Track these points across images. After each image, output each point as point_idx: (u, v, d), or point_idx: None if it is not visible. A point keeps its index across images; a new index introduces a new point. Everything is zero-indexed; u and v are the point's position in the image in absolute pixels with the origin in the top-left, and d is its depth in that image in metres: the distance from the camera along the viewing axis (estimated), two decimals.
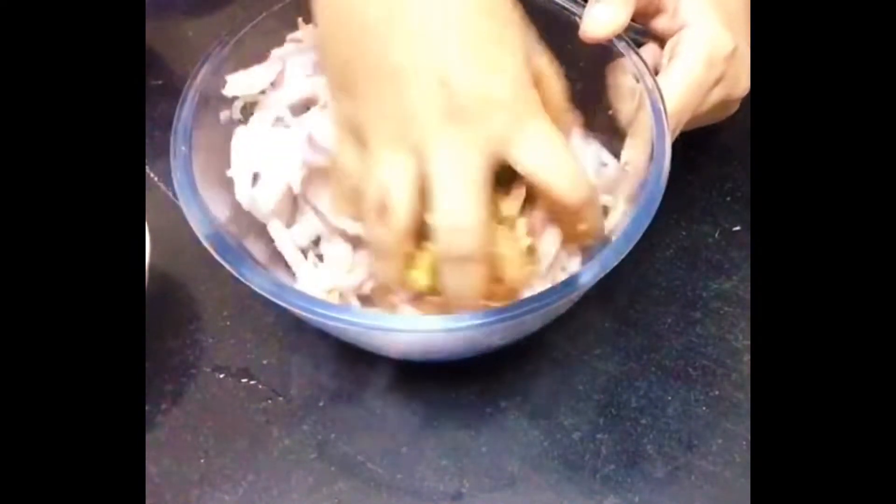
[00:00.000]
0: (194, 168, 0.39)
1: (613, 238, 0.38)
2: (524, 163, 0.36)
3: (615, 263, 0.37)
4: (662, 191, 0.38)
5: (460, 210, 0.35)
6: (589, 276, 0.37)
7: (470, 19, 0.36)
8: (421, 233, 0.37)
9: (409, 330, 0.36)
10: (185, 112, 0.41)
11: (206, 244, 0.37)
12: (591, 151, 0.45)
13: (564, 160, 0.37)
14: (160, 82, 0.56)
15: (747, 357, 0.46)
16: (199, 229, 0.37)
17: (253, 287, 0.36)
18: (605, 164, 0.45)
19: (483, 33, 0.36)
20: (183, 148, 0.40)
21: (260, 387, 0.45)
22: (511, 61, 0.36)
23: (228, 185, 0.42)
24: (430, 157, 0.35)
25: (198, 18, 0.43)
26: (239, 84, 0.43)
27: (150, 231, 0.44)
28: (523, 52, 0.37)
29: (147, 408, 0.44)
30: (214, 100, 0.43)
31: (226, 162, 0.43)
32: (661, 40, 0.46)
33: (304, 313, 0.36)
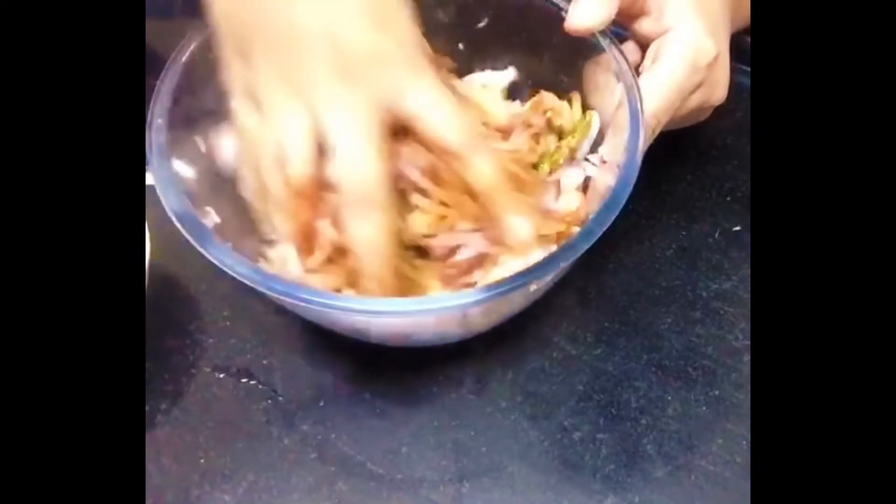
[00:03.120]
0: (169, 142, 0.40)
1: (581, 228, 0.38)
2: (410, 110, 0.37)
3: (584, 248, 0.37)
4: (633, 181, 0.39)
5: (356, 160, 0.37)
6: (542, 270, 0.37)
7: None
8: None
9: (388, 312, 0.37)
10: (165, 85, 0.42)
11: (175, 220, 0.38)
12: (576, 171, 0.46)
13: (448, 107, 0.38)
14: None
15: (747, 357, 0.46)
16: (170, 205, 0.38)
17: (213, 261, 0.37)
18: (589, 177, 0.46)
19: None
20: (159, 120, 0.41)
21: (260, 387, 0.45)
22: (401, 18, 0.38)
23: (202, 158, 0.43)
24: (325, 113, 0.37)
25: (198, 18, 0.43)
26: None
27: (150, 231, 0.44)
28: (410, 13, 0.39)
29: (147, 408, 0.44)
30: (196, 77, 0.43)
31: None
32: (640, 41, 0.46)
33: (270, 293, 0.37)
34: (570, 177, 0.46)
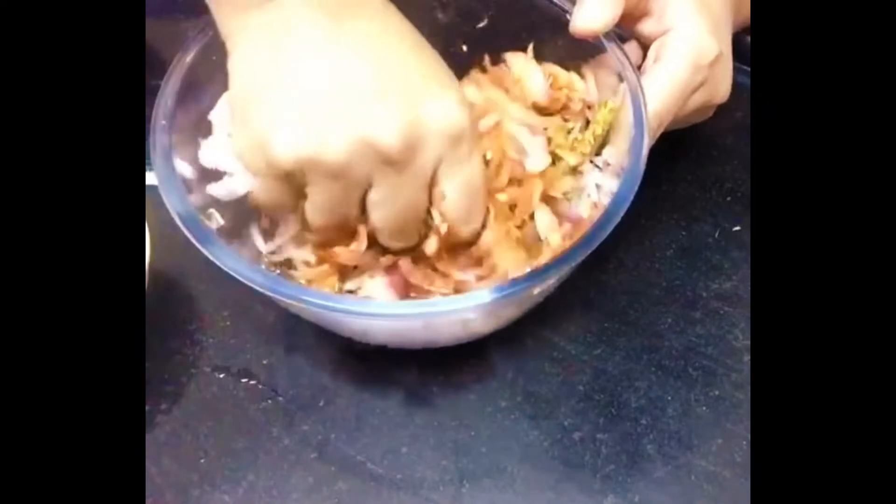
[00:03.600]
0: (172, 143, 0.40)
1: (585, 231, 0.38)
2: (441, 189, 0.38)
3: (587, 252, 0.38)
4: (637, 184, 0.39)
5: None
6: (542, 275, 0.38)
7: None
8: None
9: (391, 315, 0.37)
10: (168, 86, 0.42)
11: (178, 221, 0.38)
12: (591, 178, 0.46)
13: (476, 197, 0.40)
14: (160, 82, 0.56)
15: (747, 357, 0.46)
16: (173, 206, 0.38)
17: (218, 263, 0.37)
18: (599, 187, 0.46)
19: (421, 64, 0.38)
20: (163, 121, 0.41)
21: (260, 387, 0.45)
22: (452, 83, 0.39)
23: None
24: (371, 195, 0.37)
25: (198, 18, 0.43)
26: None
27: (150, 231, 0.44)
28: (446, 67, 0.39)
29: (147, 408, 0.44)
30: (200, 78, 0.43)
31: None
32: (642, 42, 0.46)
33: (263, 290, 0.37)
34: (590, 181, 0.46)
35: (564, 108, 0.46)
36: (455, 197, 0.38)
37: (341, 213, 0.38)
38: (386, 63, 0.36)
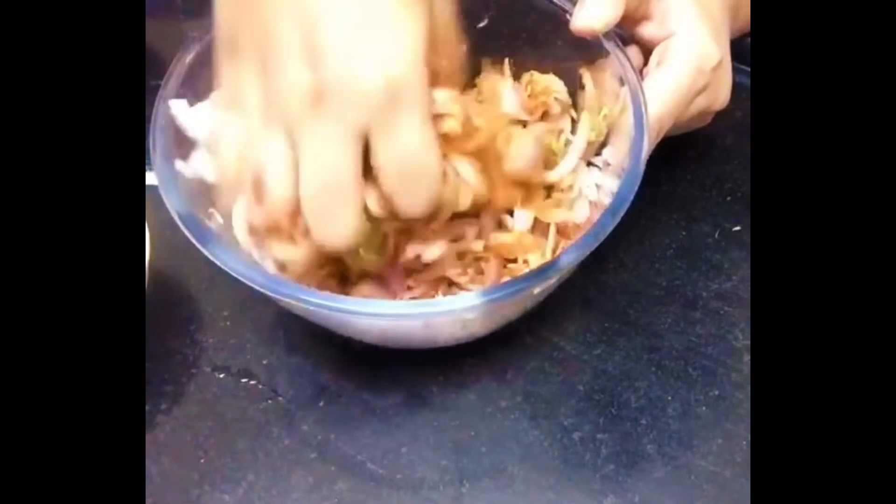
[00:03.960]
0: (172, 143, 0.40)
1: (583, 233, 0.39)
2: (378, 157, 0.34)
3: (587, 252, 0.38)
4: (637, 185, 0.39)
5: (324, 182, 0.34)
6: (539, 277, 0.37)
7: None
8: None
9: (392, 315, 0.37)
10: (169, 86, 0.42)
11: (178, 221, 0.38)
12: (589, 177, 0.46)
13: (416, 169, 0.35)
14: (160, 82, 0.56)
15: (747, 357, 0.46)
16: (173, 206, 0.38)
17: (216, 261, 0.37)
18: (599, 187, 0.46)
19: (371, 12, 0.33)
20: (163, 121, 0.41)
21: (260, 387, 0.45)
22: (398, 41, 0.34)
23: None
24: (298, 139, 0.34)
25: (198, 18, 0.43)
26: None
27: (150, 231, 0.44)
28: (418, 28, 0.34)
29: (147, 408, 0.44)
30: (200, 78, 0.43)
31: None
32: (643, 46, 0.46)
33: (267, 292, 0.37)
34: (586, 181, 0.46)
35: (545, 115, 0.46)
36: (389, 168, 0.35)
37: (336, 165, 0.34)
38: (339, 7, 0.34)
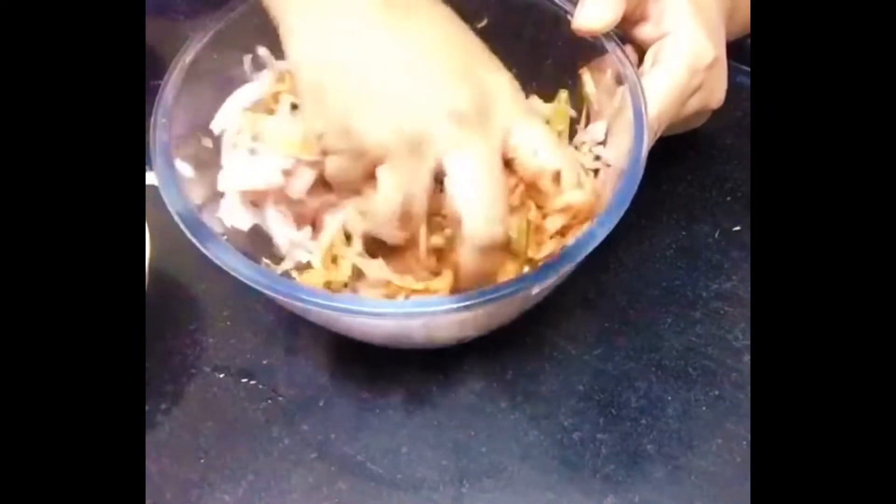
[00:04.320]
0: (173, 143, 0.40)
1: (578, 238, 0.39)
2: (522, 145, 0.39)
3: (586, 252, 0.38)
4: (636, 185, 0.39)
5: (490, 213, 0.38)
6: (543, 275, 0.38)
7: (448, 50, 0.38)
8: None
9: (386, 314, 0.37)
10: (169, 84, 0.42)
11: (177, 219, 0.38)
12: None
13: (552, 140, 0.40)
14: (160, 82, 0.56)
15: (747, 357, 0.46)
16: (172, 204, 0.38)
17: (213, 259, 0.37)
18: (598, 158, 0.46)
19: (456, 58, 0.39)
20: (163, 119, 0.41)
21: (260, 387, 0.45)
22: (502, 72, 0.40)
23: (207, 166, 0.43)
24: (450, 161, 0.37)
25: (198, 18, 0.43)
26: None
27: (150, 231, 0.44)
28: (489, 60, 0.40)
29: (147, 408, 0.44)
30: (200, 77, 0.43)
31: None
32: (639, 46, 0.46)
33: (270, 293, 0.37)
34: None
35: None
36: (544, 148, 0.39)
37: (411, 192, 0.38)
38: (447, 42, 0.39)
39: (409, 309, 0.37)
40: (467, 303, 0.36)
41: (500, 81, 0.39)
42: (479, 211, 0.37)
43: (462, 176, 0.37)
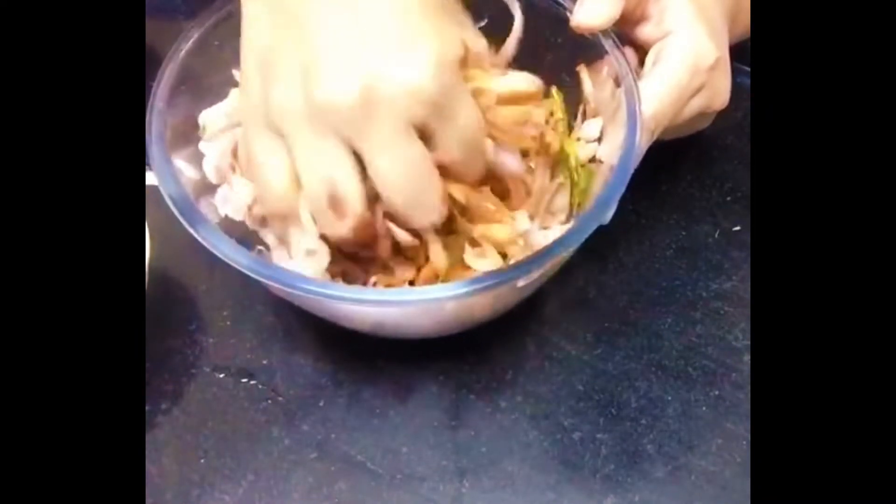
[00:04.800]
0: (168, 132, 0.40)
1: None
2: (443, 141, 0.37)
3: (573, 246, 0.38)
4: (626, 181, 0.39)
5: (398, 167, 0.36)
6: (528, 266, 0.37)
7: (395, 10, 0.36)
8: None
9: (378, 301, 0.37)
10: (167, 70, 0.42)
11: (169, 204, 0.38)
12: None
13: (477, 140, 0.38)
14: None
15: (747, 357, 0.46)
16: (166, 189, 0.38)
17: (206, 245, 0.37)
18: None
19: (408, 25, 0.36)
20: (160, 104, 0.41)
21: (260, 387, 0.45)
22: (431, 45, 0.36)
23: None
24: (362, 143, 0.35)
25: (198, 18, 0.43)
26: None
27: (150, 231, 0.44)
28: (444, 38, 0.37)
29: (147, 408, 0.44)
30: (199, 64, 0.44)
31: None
32: (639, 47, 0.46)
33: (262, 279, 0.37)
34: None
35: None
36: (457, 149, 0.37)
37: (330, 175, 0.36)
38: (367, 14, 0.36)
39: (390, 297, 0.37)
40: (446, 294, 0.36)
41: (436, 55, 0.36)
42: (405, 198, 0.36)
43: (377, 164, 0.36)
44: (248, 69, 0.38)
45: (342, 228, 0.37)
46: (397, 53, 0.35)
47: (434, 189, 0.37)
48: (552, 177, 0.46)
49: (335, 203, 0.36)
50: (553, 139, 0.45)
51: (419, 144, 0.36)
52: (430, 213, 0.38)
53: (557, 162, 0.46)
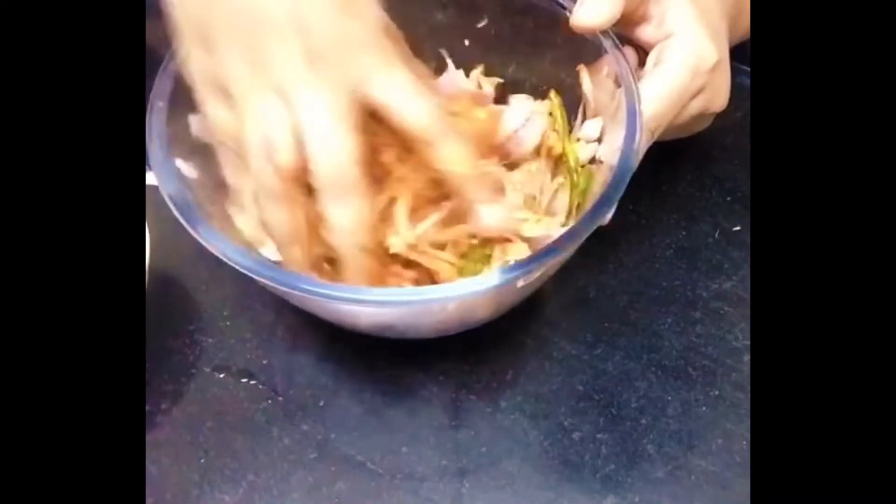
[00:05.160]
0: (168, 132, 0.40)
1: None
2: (378, 97, 0.37)
3: (572, 247, 0.38)
4: (626, 181, 0.39)
5: (329, 141, 0.36)
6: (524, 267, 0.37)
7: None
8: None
9: (375, 301, 0.37)
10: (167, 69, 0.42)
11: (168, 202, 0.38)
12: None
13: (415, 94, 0.37)
14: None
15: (747, 357, 0.46)
16: (165, 188, 0.38)
17: (205, 245, 0.37)
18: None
19: None
20: (160, 103, 0.41)
21: (260, 387, 0.45)
22: (367, 7, 0.37)
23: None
24: (297, 100, 0.36)
25: None
26: None
27: (150, 231, 0.44)
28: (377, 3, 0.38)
29: (147, 408, 0.44)
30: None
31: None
32: (640, 48, 0.46)
33: (262, 279, 0.37)
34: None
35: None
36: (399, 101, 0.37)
37: (268, 135, 0.37)
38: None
39: (390, 298, 0.37)
40: (445, 295, 0.36)
41: (373, 19, 0.37)
42: (322, 153, 0.36)
43: (306, 122, 0.36)
44: (186, 40, 0.38)
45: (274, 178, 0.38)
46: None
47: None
48: (552, 178, 0.46)
49: (270, 152, 0.37)
50: (555, 142, 0.46)
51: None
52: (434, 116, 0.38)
53: (558, 163, 0.46)
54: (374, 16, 0.38)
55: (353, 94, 0.37)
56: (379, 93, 0.37)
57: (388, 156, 0.40)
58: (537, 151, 0.46)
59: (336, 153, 0.36)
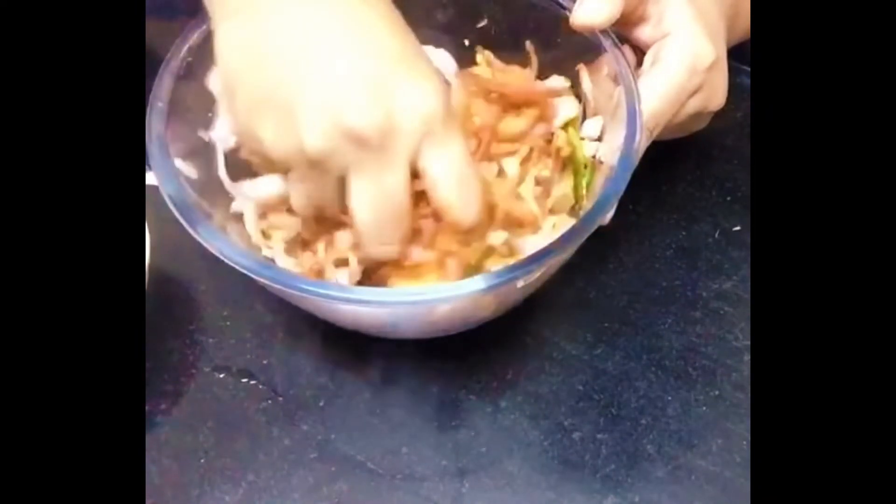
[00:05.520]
0: (168, 131, 0.41)
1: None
2: (429, 175, 0.37)
3: (573, 247, 0.38)
4: (626, 181, 0.39)
5: (380, 231, 0.38)
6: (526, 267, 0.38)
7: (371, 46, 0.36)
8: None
9: (375, 301, 0.37)
10: (167, 69, 0.42)
11: (168, 203, 0.38)
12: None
13: (465, 180, 0.38)
14: None
15: (747, 357, 0.46)
16: (165, 189, 0.39)
17: (205, 245, 0.37)
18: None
19: (388, 56, 0.36)
20: (160, 104, 0.41)
21: (260, 387, 0.45)
22: (426, 75, 0.37)
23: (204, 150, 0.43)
24: (349, 180, 0.37)
25: (198, 19, 0.43)
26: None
27: (150, 231, 0.44)
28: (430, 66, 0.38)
29: (147, 408, 0.44)
30: (199, 63, 0.43)
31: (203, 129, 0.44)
32: (638, 48, 0.46)
33: (262, 279, 0.37)
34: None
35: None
36: (445, 179, 0.37)
37: (319, 200, 0.39)
38: (363, 44, 0.36)
39: (390, 298, 0.37)
40: (443, 295, 0.36)
41: (418, 93, 0.36)
42: (370, 234, 0.38)
43: (357, 198, 0.37)
44: (237, 105, 0.38)
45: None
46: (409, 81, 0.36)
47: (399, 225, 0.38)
48: (559, 179, 0.46)
49: (322, 219, 0.40)
50: (564, 143, 0.45)
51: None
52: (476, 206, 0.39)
53: (566, 165, 0.46)
54: (433, 87, 0.36)
55: (406, 167, 0.37)
56: (427, 168, 0.37)
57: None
58: (547, 152, 0.46)
59: (384, 244, 0.38)
